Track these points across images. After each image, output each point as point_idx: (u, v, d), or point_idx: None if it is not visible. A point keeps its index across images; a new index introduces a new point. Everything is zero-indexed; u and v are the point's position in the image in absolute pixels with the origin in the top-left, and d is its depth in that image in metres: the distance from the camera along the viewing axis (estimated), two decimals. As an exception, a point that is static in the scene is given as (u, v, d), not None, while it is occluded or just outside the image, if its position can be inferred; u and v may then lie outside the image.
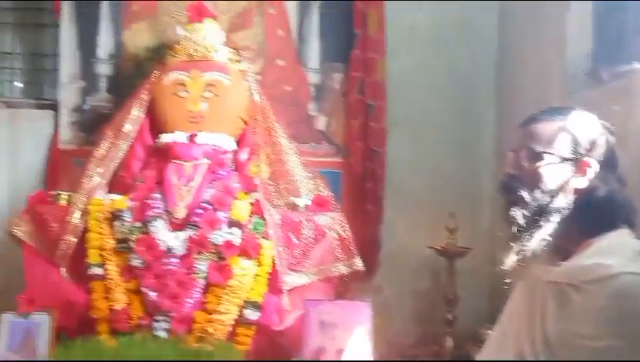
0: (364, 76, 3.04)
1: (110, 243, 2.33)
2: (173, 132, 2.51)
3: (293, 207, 2.52)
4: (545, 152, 1.31)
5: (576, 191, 1.30)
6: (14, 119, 3.18)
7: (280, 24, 3.10)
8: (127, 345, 2.12)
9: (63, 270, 2.37)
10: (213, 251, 2.27)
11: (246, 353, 2.21)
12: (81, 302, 2.30)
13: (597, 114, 1.37)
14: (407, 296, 3.14)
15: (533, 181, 1.31)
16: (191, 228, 2.29)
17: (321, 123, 3.12)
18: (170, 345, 2.13)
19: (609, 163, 1.32)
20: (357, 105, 3.05)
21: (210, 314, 2.23)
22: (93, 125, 3.02)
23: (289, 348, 2.27)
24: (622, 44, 2.17)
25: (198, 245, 2.26)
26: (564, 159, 1.30)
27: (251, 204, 2.40)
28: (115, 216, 2.36)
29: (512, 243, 1.30)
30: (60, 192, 2.50)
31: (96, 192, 2.44)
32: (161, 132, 2.55)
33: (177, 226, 2.32)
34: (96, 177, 2.48)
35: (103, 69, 3.10)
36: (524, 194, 1.30)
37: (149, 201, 2.35)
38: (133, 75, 2.98)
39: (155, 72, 2.68)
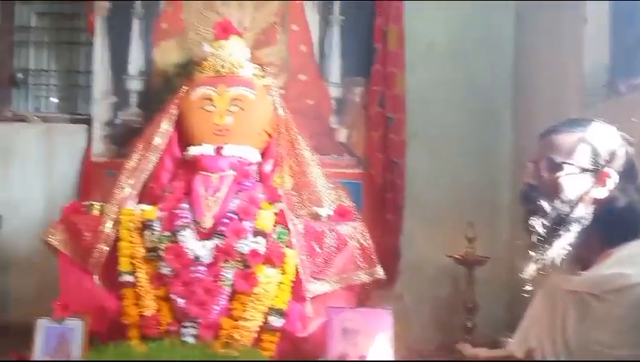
0: (384, 90, 3.04)
1: (140, 251, 2.34)
2: (200, 145, 2.53)
3: (316, 216, 2.51)
4: (565, 163, 1.29)
5: (596, 201, 1.29)
6: (50, 133, 3.23)
7: (302, 40, 3.12)
8: (156, 350, 2.13)
9: (95, 277, 2.38)
10: (239, 259, 2.27)
11: (270, 359, 2.21)
12: (113, 308, 2.31)
13: (615, 125, 1.35)
14: (427, 303, 3.11)
15: (553, 191, 1.29)
16: (218, 238, 2.30)
17: (342, 135, 3.12)
18: (198, 350, 2.14)
19: (628, 174, 1.30)
20: (377, 117, 3.05)
21: (236, 320, 2.23)
22: (124, 138, 3.06)
23: (312, 354, 2.25)
24: (639, 56, 2.14)
25: (224, 254, 2.27)
26: (584, 170, 1.29)
27: (275, 213, 2.40)
28: (145, 226, 2.37)
29: (532, 253, 1.28)
30: (93, 203, 2.52)
31: (127, 203, 2.46)
32: (189, 145, 2.57)
33: (205, 235, 2.33)
34: (127, 188, 2.50)
35: (134, 85, 3.14)
36: (544, 204, 1.29)
37: (177, 211, 2.36)
38: (162, 90, 3.01)
39: (183, 87, 2.70)
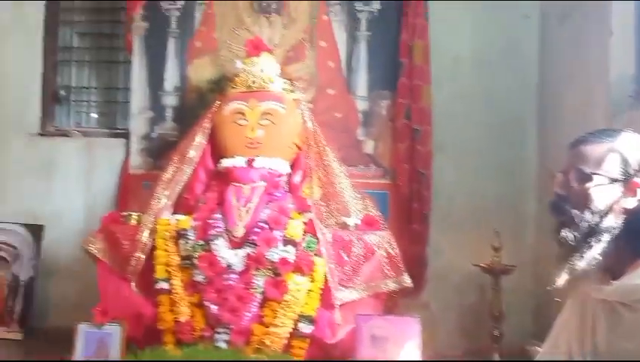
0: (410, 102, 3.02)
1: (175, 259, 2.36)
2: (232, 157, 2.54)
3: (344, 226, 2.49)
4: (594, 173, 1.25)
5: (626, 211, 1.24)
6: (90, 147, 3.29)
7: (330, 56, 3.12)
8: (190, 355, 2.13)
9: (133, 284, 2.40)
10: (270, 268, 2.27)
11: (300, 364, 2.19)
12: (149, 314, 2.33)
13: (642, 136, 1.31)
14: (453, 311, 3.06)
15: (583, 201, 1.25)
16: (249, 246, 2.30)
17: (369, 147, 3.10)
18: (230, 355, 2.13)
19: (659, 183, 1.26)
20: (403, 129, 3.02)
21: (267, 326, 2.22)
22: (160, 151, 3.09)
23: (341, 360, 2.23)
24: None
25: (255, 262, 2.27)
26: (614, 180, 1.25)
27: (305, 223, 2.39)
28: (180, 235, 2.39)
29: (562, 263, 1.25)
30: (131, 213, 2.55)
31: (163, 213, 2.48)
32: (222, 157, 2.59)
33: (236, 244, 2.33)
34: (163, 199, 2.52)
35: (170, 101, 3.18)
36: (574, 214, 1.25)
37: (210, 221, 2.38)
38: (196, 105, 3.04)
39: (216, 102, 2.72)
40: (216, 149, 2.63)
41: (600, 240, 1.23)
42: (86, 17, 3.49)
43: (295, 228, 2.36)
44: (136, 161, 3.16)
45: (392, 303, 2.49)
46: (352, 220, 2.50)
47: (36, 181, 3.25)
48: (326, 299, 2.30)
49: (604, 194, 1.25)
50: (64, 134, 3.35)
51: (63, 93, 3.44)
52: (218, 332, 2.22)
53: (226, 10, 3.16)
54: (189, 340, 2.23)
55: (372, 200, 2.69)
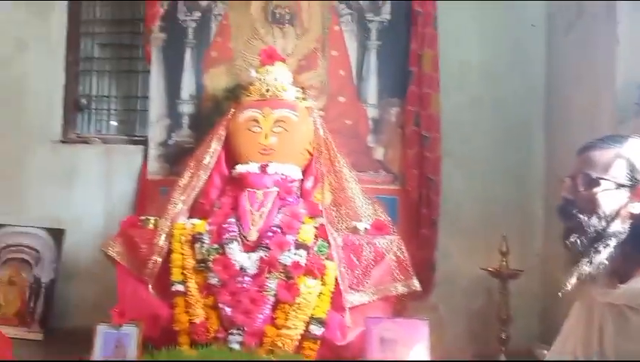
0: (420, 110, 3.00)
1: (191, 262, 2.36)
2: (247, 163, 2.54)
3: (354, 230, 2.48)
4: (601, 178, 1.24)
5: (633, 216, 1.23)
6: (109, 153, 3.30)
7: (341, 65, 3.12)
8: (205, 355, 2.13)
9: (150, 287, 2.41)
10: (282, 271, 2.27)
11: (310, 366, 2.18)
12: (165, 315, 2.33)
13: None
14: (461, 315, 3.03)
15: (590, 206, 1.24)
16: (262, 250, 2.29)
17: (379, 153, 3.09)
18: (243, 356, 2.13)
19: (665, 188, 1.24)
20: (413, 136, 3.01)
21: (279, 328, 2.21)
22: (177, 158, 3.10)
23: (351, 361, 2.22)
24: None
25: (268, 265, 2.26)
26: (621, 185, 1.23)
27: (316, 227, 2.38)
28: (195, 239, 2.39)
29: (570, 268, 1.23)
30: (148, 217, 2.55)
31: (179, 217, 2.49)
32: (236, 163, 2.59)
33: (250, 248, 2.33)
34: (180, 204, 2.53)
35: (186, 109, 3.19)
36: (582, 219, 1.23)
37: (225, 225, 2.38)
38: (212, 113, 3.05)
39: (231, 110, 2.73)
40: (231, 155, 2.64)
41: (607, 245, 1.21)
42: (106, 29, 3.52)
43: (307, 232, 2.35)
44: (154, 167, 3.17)
45: (401, 306, 2.47)
46: (363, 225, 2.49)
47: (58, 187, 3.26)
48: (337, 301, 2.28)
49: (612, 199, 1.24)
50: (85, 141, 3.37)
51: (84, 101, 3.47)
52: (232, 334, 2.21)
53: (241, 21, 3.17)
54: (203, 341, 2.23)
55: (382, 206, 2.67)
